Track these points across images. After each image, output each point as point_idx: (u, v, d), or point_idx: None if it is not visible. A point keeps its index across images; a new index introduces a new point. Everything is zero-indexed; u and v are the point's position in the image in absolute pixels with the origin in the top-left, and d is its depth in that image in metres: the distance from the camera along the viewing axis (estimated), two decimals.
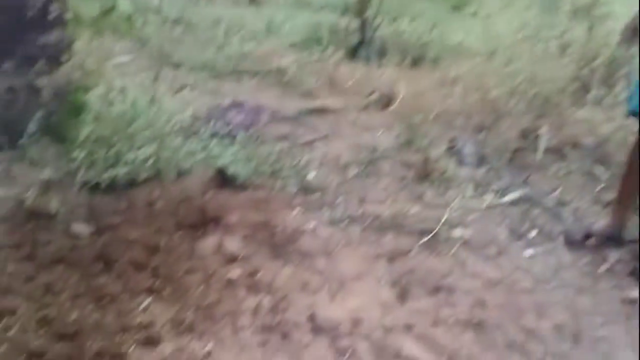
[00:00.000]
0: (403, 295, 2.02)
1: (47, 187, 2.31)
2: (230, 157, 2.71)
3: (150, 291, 1.81)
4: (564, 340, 1.88)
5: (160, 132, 2.69)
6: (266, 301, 1.86)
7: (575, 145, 3.31)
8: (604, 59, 3.84)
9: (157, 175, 2.53)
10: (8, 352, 1.48)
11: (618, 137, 3.28)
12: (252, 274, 1.98)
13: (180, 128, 2.88)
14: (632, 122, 2.46)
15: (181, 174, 2.59)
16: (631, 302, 2.10)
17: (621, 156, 3.18)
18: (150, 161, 2.52)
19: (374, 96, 3.90)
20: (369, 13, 4.62)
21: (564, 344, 1.86)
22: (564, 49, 4.11)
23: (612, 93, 3.66)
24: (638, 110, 2.28)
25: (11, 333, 1.56)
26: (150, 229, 2.13)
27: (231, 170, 2.62)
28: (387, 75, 4.18)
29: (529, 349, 1.82)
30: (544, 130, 3.25)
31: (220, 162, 2.67)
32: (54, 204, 2.15)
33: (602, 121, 3.42)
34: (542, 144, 3.08)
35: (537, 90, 3.65)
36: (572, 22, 4.38)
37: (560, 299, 2.11)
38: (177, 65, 3.93)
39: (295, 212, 2.48)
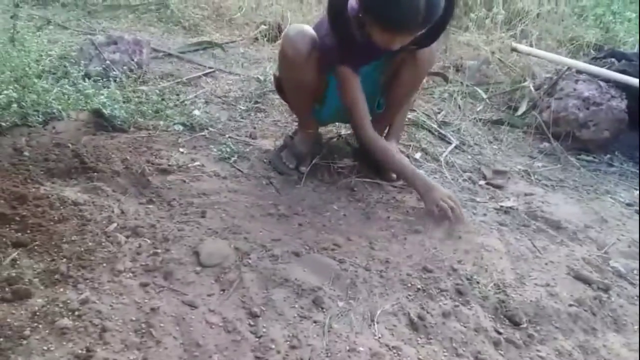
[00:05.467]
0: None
1: None
2: (106, 98, 2.53)
3: (17, 244, 1.67)
4: None
5: (24, 74, 2.45)
6: (146, 244, 1.78)
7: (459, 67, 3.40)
8: None
9: (24, 121, 2.32)
10: None
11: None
12: (130, 218, 1.89)
13: (48, 69, 2.65)
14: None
15: (52, 118, 2.39)
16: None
17: (499, 77, 3.33)
18: (14, 106, 2.30)
19: (263, 28, 3.78)
20: None
21: None
22: None
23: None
24: None
25: None
26: (17, 179, 1.96)
27: (108, 112, 2.46)
28: (276, 5, 4.05)
29: None
30: None
31: (96, 104, 2.48)
32: None
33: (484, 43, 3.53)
34: None
35: None
36: None
37: None
38: (43, 3, 3.59)
39: (180, 151, 2.38)
